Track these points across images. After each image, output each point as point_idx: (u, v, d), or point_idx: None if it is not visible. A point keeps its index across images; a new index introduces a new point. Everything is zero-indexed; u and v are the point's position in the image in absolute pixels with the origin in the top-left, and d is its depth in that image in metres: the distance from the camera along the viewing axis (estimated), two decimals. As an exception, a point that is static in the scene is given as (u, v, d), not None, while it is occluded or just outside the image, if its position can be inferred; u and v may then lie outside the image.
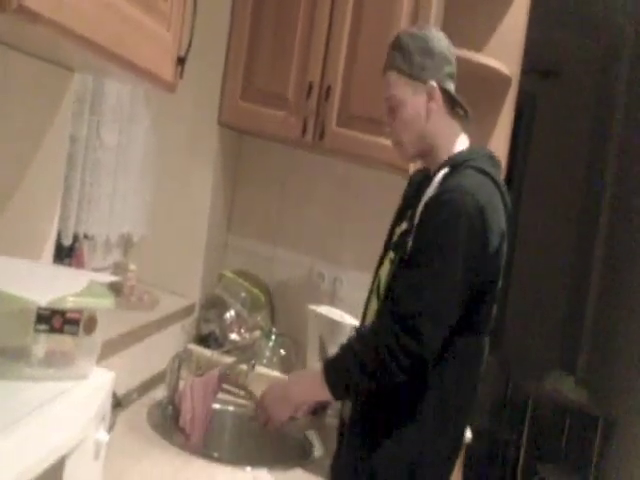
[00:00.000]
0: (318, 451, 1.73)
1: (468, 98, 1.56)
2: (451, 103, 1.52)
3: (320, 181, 2.31)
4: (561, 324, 4.41)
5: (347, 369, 1.41)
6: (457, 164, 1.46)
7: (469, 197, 1.37)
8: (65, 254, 1.60)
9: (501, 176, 1.50)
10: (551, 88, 4.39)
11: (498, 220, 1.41)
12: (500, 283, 1.48)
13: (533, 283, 4.43)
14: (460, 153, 1.49)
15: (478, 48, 2.37)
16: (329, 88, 2.02)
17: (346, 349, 1.43)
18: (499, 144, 2.45)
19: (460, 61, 2.20)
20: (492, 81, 2.39)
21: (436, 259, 1.37)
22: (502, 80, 2.42)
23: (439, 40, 1.50)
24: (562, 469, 3.71)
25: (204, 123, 2.12)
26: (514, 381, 4.23)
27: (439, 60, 1.49)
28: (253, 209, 2.36)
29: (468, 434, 2.09)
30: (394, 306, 1.38)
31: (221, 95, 2.10)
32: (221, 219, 2.30)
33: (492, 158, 1.51)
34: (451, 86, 1.52)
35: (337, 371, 1.43)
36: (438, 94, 1.49)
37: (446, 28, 1.78)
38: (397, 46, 1.50)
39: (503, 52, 2.41)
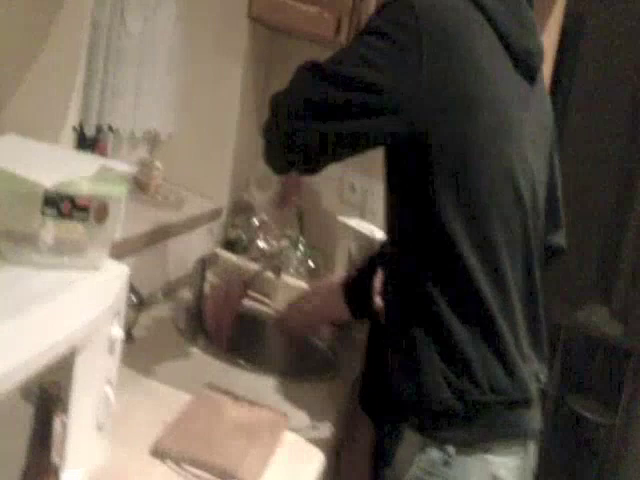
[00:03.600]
0: (343, 366, 1.68)
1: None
2: None
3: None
4: (599, 250, 4.26)
5: None
6: None
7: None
8: (88, 145, 1.53)
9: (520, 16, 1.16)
10: (603, 9, 4.07)
11: (458, 33, 1.08)
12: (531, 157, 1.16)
13: (571, 204, 4.28)
14: None
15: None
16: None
17: None
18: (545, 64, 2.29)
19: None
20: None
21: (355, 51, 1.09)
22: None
23: None
24: (591, 403, 3.68)
25: (233, 16, 1.99)
26: (546, 309, 4.13)
27: None
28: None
29: None
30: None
31: (252, -15, 1.96)
32: (252, 121, 2.20)
33: None
34: None
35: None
36: None
37: None
38: None
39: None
